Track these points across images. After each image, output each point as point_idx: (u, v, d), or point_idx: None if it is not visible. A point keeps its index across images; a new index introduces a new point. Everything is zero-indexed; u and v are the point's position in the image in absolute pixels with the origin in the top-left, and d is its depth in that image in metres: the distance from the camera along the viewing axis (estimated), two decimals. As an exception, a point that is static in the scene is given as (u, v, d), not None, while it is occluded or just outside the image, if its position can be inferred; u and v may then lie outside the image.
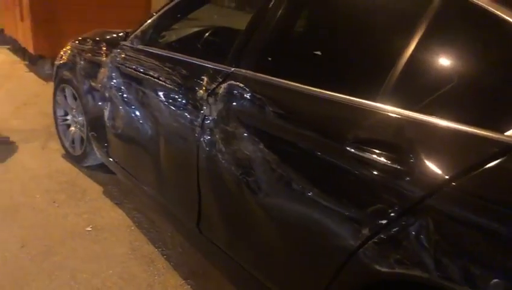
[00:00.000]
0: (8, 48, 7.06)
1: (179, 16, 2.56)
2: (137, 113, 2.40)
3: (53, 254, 2.43)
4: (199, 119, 1.91)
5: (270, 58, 1.81)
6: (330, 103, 1.44)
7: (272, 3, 1.82)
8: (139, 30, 2.58)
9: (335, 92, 1.43)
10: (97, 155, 3.11)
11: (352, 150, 1.29)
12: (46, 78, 5.69)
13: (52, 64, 5.59)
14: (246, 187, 1.66)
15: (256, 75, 1.72)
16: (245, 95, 1.72)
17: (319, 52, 1.82)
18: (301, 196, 1.44)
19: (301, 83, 1.54)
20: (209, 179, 1.89)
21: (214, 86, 1.87)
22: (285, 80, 1.60)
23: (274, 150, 1.56)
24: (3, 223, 2.69)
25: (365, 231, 1.24)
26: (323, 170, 1.40)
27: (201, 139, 1.88)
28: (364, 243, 1.23)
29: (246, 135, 1.67)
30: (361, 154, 1.27)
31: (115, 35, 2.99)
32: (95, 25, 3.93)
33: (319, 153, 1.41)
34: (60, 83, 3.44)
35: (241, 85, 1.75)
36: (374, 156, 1.24)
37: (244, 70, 1.79)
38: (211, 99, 1.86)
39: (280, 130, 1.55)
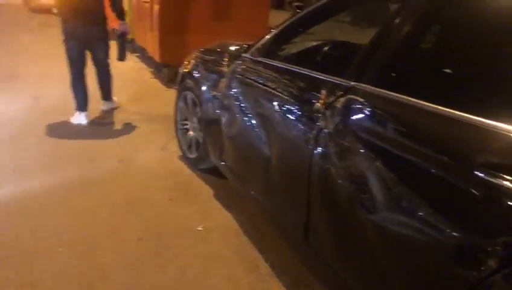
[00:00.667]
0: (137, 56, 7.75)
1: (298, 30, 2.62)
2: (253, 121, 2.49)
3: (166, 249, 2.61)
4: (314, 132, 1.93)
5: (393, 74, 1.77)
6: (458, 123, 1.37)
7: (398, 18, 1.79)
8: (259, 43, 2.69)
9: (464, 112, 1.36)
10: (211, 159, 3.28)
11: (482, 175, 1.21)
12: (168, 85, 6.13)
13: (175, 72, 6.04)
14: (359, 204, 1.64)
15: (378, 90, 1.70)
16: (365, 110, 1.70)
17: (448, 70, 1.75)
18: (419, 218, 1.38)
19: (426, 101, 1.49)
20: (320, 192, 1.90)
21: (331, 99, 1.88)
22: (409, 96, 1.56)
23: (392, 168, 1.52)
24: (125, 216, 2.95)
25: (491, 263, 1.16)
26: (446, 194, 1.33)
27: (315, 151, 1.90)
28: (490, 276, 1.15)
29: (363, 150, 1.65)
30: (491, 180, 1.19)
31: (236, 47, 3.15)
32: (217, 37, 4.16)
33: (442, 175, 1.34)
34: (183, 90, 3.69)
35: (361, 100, 1.74)
36: (506, 182, 1.16)
37: (364, 85, 1.77)
38: (328, 113, 1.87)
39: (401, 148, 1.50)
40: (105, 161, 3.76)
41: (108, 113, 4.97)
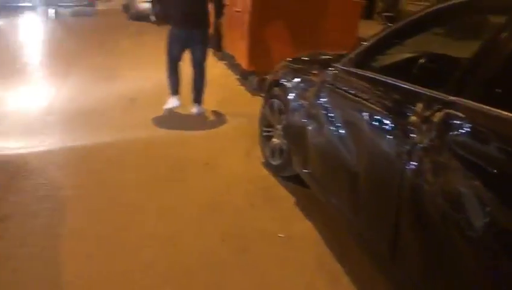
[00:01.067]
0: (225, 64, 7.99)
1: (394, 41, 2.56)
2: (341, 132, 2.47)
3: (248, 252, 2.66)
4: (407, 146, 1.88)
5: (499, 90, 1.67)
6: None
7: (506, 31, 1.69)
8: (353, 53, 2.66)
9: None
10: (294, 167, 3.29)
11: None
12: (253, 92, 6.26)
13: (261, 80, 6.15)
14: (454, 224, 1.57)
15: (481, 106, 1.61)
16: (465, 126, 1.63)
17: None
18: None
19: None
20: (412, 208, 1.84)
21: (428, 113, 1.82)
22: (515, 114, 1.47)
23: (494, 189, 1.44)
24: (209, 217, 3.04)
25: None
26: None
27: (408, 166, 1.84)
28: None
29: (461, 168, 1.58)
30: None
31: (327, 57, 3.15)
32: (306, 46, 4.18)
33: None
34: (269, 97, 3.75)
35: (462, 115, 1.66)
36: None
37: (465, 100, 1.69)
38: (423, 127, 1.81)
39: (503, 169, 1.42)
40: (192, 162, 3.91)
41: (198, 114, 5.17)
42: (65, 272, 2.41)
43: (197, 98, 5.19)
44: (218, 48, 5.10)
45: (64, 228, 2.83)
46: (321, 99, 2.74)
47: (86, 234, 2.77)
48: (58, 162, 3.80)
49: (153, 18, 13.41)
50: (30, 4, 16.95)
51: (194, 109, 5.19)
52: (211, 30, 5.14)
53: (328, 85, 2.71)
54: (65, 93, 5.90)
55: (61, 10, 16.29)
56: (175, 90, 5.15)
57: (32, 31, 12.59)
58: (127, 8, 15.80)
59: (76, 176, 3.55)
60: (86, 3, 16.03)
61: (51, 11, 15.94)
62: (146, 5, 13.60)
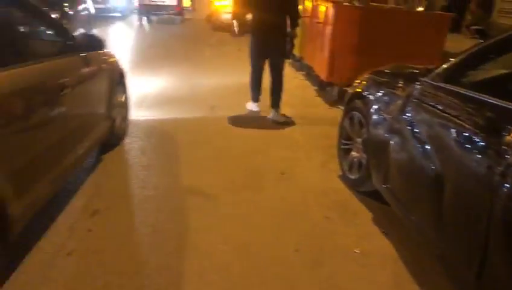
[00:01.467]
0: (303, 74, 8.01)
1: (489, 56, 2.43)
2: (427, 148, 2.38)
3: (322, 265, 2.63)
4: (501, 167, 1.77)
5: None
6: None
7: None
8: (442, 68, 2.56)
9: None
10: (372, 182, 3.21)
11: None
12: (331, 103, 6.21)
13: (340, 92, 6.10)
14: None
15: None
16: None
17: None
18: None
19: None
20: (504, 231, 1.73)
21: (527, 133, 1.71)
22: None
23: None
24: (283, 226, 3.05)
25: None
26: None
27: (501, 187, 1.74)
28: None
29: None
30: None
31: (413, 70, 3.06)
32: (388, 59, 4.07)
33: None
34: (350, 109, 3.71)
35: None
36: None
37: None
38: (521, 148, 1.70)
39: None
40: (268, 171, 3.95)
41: (275, 121, 5.38)
42: (145, 266, 2.53)
43: (275, 104, 5.46)
44: (288, 56, 5.49)
45: (142, 225, 2.98)
46: (406, 114, 2.66)
47: (161, 232, 2.89)
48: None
49: (236, 28, 13.85)
50: (120, 14, 18.12)
51: (271, 114, 5.45)
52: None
53: (414, 100, 2.63)
54: (145, 102, 6.20)
55: (153, 18, 17.30)
56: (256, 97, 5.61)
57: (125, 38, 13.42)
58: (209, 18, 16.35)
59: (156, 177, 3.71)
60: (174, 12, 17.10)
61: (144, 20, 16.93)
62: (228, 16, 14.02)
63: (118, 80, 4.22)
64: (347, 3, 6.76)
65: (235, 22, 12.85)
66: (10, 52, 2.57)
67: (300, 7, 7.47)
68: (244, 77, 5.99)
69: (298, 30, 7.67)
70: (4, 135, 2.13)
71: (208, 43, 12.20)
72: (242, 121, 5.40)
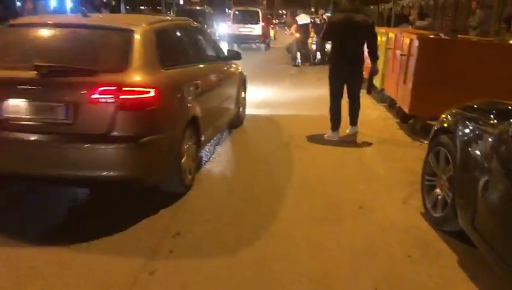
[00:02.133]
0: (385, 106, 7.85)
1: None
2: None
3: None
4: None
5: None
6: None
7: None
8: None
9: None
10: (458, 222, 3.05)
11: None
12: (414, 137, 6.02)
13: (423, 125, 5.91)
14: None
15: None
16: None
17: None
18: None
19: None
20: None
21: None
22: None
23: None
24: (362, 262, 2.98)
25: None
26: None
27: None
28: None
29: None
30: None
31: (507, 106, 2.91)
32: (475, 94, 3.88)
33: None
34: (435, 144, 3.58)
35: None
36: None
37: None
38: None
39: None
40: (346, 204, 3.89)
41: (353, 136, 5.86)
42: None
43: (353, 122, 5.90)
44: (370, 92, 5.87)
45: (220, 249, 3.05)
46: (500, 152, 2.53)
47: (238, 259, 2.93)
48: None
49: (318, 59, 14.04)
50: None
51: (350, 130, 5.89)
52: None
53: (508, 138, 2.50)
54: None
55: (243, 46, 18.22)
56: (336, 125, 5.82)
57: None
58: (290, 49, 16.67)
59: (238, 200, 3.80)
60: (259, 41, 19.44)
61: (234, 46, 17.73)
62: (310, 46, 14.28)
63: (243, 81, 6.27)
64: (433, 36, 6.59)
65: (298, 54, 13.34)
66: (205, 55, 5.06)
67: (381, 38, 7.43)
68: (322, 106, 6.24)
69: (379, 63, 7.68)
70: (201, 96, 4.14)
71: (288, 73, 12.38)
72: (321, 150, 5.42)
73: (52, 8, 24.22)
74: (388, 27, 10.88)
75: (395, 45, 7.28)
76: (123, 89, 3.16)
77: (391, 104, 7.54)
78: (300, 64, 13.75)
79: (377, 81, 8.53)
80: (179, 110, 3.75)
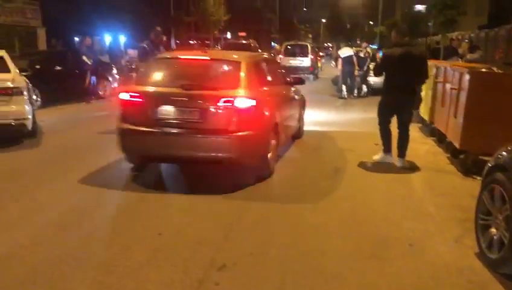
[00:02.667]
0: (434, 140, 7.66)
1: None
2: None
3: None
4: None
5: None
6: None
7: None
8: None
9: None
10: (517, 265, 2.91)
11: None
12: (465, 173, 5.81)
13: (475, 161, 5.71)
14: None
15: None
16: None
17: None
18: None
19: None
20: None
21: None
22: None
23: None
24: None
25: None
26: None
27: None
28: None
29: None
30: None
31: None
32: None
33: None
34: (490, 182, 3.45)
35: None
36: None
37: None
38: None
39: None
40: (396, 241, 3.78)
41: (401, 169, 5.89)
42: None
43: (401, 154, 6.01)
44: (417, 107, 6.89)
45: (267, 284, 3.02)
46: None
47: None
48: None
49: (364, 92, 13.96)
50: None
51: (398, 162, 5.98)
52: None
53: None
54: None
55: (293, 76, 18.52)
56: (388, 148, 6.12)
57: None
58: (335, 81, 16.72)
59: (282, 235, 3.78)
60: (308, 72, 20.51)
61: None
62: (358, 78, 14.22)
63: (303, 103, 7.80)
64: (485, 69, 6.43)
65: (344, 87, 13.33)
66: (280, 80, 6.64)
67: (430, 72, 7.32)
68: (368, 125, 6.66)
69: (427, 93, 7.60)
70: (280, 109, 5.72)
71: (335, 103, 12.40)
72: (369, 181, 5.38)
73: (108, 43, 25.58)
74: (437, 60, 10.68)
75: (445, 79, 7.15)
76: (237, 99, 4.84)
77: (441, 139, 7.34)
78: (346, 96, 13.72)
79: (425, 115, 8.38)
80: (269, 116, 5.37)
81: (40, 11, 19.68)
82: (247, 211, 4.40)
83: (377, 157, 6.17)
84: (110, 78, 13.47)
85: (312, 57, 21.31)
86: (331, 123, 9.46)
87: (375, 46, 31.21)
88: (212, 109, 4.85)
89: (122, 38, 29.00)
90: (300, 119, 7.52)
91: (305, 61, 20.68)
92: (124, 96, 5.12)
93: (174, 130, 4.89)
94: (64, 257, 3.40)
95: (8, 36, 17.18)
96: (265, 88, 5.56)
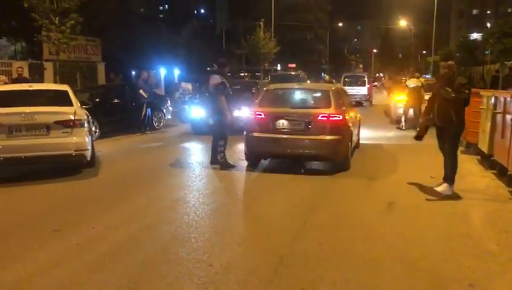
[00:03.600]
0: (494, 173, 7.31)
1: None
2: None
3: None
4: None
5: None
6: None
7: None
8: None
9: None
10: None
11: None
12: None
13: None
14: None
15: None
16: None
17: None
18: None
19: None
20: None
21: None
22: None
23: None
24: None
25: None
26: None
27: None
28: None
29: None
30: None
31: None
32: None
33: None
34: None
35: None
36: None
37: None
38: None
39: None
40: (454, 282, 3.60)
41: (446, 197, 5.81)
42: None
43: (444, 176, 6.01)
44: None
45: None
46: None
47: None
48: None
49: (418, 130, 13.41)
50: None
51: (439, 187, 5.99)
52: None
53: None
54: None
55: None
56: (453, 179, 6.01)
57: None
58: (388, 112, 16.37)
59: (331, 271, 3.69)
60: (365, 99, 23.51)
61: None
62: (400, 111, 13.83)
63: (359, 121, 9.67)
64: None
65: (403, 118, 12.84)
66: (349, 102, 9.46)
67: (488, 102, 7.03)
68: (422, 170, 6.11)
69: (485, 124, 7.28)
70: (352, 123, 8.11)
71: (386, 137, 12.10)
72: (423, 217, 5.16)
73: (162, 76, 26.60)
74: (495, 89, 10.29)
75: (505, 109, 6.86)
76: (330, 115, 7.24)
77: (502, 172, 6.98)
78: (404, 127, 13.16)
79: (484, 147, 8.02)
80: (348, 127, 7.69)
81: (100, 47, 20.82)
82: (297, 242, 4.34)
83: (441, 188, 6.00)
84: (165, 110, 13.94)
85: (369, 86, 24.99)
86: (385, 137, 11.03)
87: (428, 76, 30.51)
88: (312, 122, 7.27)
89: (176, 71, 30.13)
90: (358, 133, 9.55)
91: (362, 90, 23.95)
92: (252, 114, 7.66)
93: (287, 136, 7.35)
94: (118, 286, 3.48)
95: (71, 71, 18.21)
96: (343, 108, 7.78)
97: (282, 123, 7.37)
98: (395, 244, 4.35)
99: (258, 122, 7.49)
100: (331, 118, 7.16)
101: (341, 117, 7.28)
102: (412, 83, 13.48)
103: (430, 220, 5.09)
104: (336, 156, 7.33)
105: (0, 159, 6.61)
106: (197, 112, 11.87)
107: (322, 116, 7.20)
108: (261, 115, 7.53)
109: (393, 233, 4.66)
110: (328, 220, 5.11)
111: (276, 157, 8.05)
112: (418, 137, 6.59)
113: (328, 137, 7.13)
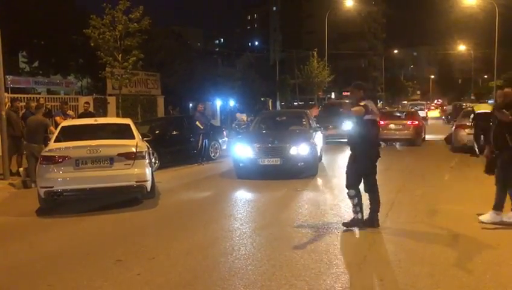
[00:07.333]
0: None
1: None
2: None
3: None
4: None
5: None
6: None
7: None
8: None
9: None
10: None
11: None
12: None
13: None
14: None
15: None
16: None
17: None
18: None
19: None
20: None
21: None
22: None
23: None
24: None
25: None
26: None
27: None
28: None
29: None
30: None
31: None
32: None
33: None
34: None
35: None
36: None
37: None
38: None
39: None
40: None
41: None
42: None
43: (494, 203, 5.84)
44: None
45: None
46: None
47: None
48: None
49: (477, 151, 12.78)
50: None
51: (485, 217, 5.83)
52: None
53: None
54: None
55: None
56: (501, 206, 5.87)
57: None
58: (449, 139, 15.76)
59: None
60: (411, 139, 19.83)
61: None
62: (469, 137, 13.26)
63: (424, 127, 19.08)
64: None
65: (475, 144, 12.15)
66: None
67: None
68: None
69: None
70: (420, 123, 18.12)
71: (447, 166, 11.57)
72: (493, 252, 4.84)
73: (218, 107, 27.24)
74: None
75: None
76: (413, 122, 17.29)
77: None
78: (478, 153, 12.11)
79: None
80: (420, 125, 17.70)
81: (159, 81, 21.72)
82: (355, 278, 4.21)
83: (486, 217, 5.85)
84: (221, 141, 14.20)
85: (426, 110, 37.56)
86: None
87: (490, 101, 29.18)
88: (406, 124, 16.67)
89: (231, 103, 30.77)
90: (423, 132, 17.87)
91: (422, 114, 29.18)
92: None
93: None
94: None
95: (132, 104, 19.07)
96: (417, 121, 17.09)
97: (391, 127, 16.96)
98: (462, 281, 4.10)
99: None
100: (414, 123, 16.93)
101: (417, 122, 17.19)
102: (482, 108, 12.62)
103: (501, 255, 4.76)
104: (417, 139, 17.06)
105: (67, 191, 6.99)
106: (243, 150, 9.92)
107: (411, 122, 16.88)
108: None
109: (459, 269, 4.40)
110: (386, 255, 4.94)
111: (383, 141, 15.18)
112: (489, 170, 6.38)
113: (413, 129, 16.75)
